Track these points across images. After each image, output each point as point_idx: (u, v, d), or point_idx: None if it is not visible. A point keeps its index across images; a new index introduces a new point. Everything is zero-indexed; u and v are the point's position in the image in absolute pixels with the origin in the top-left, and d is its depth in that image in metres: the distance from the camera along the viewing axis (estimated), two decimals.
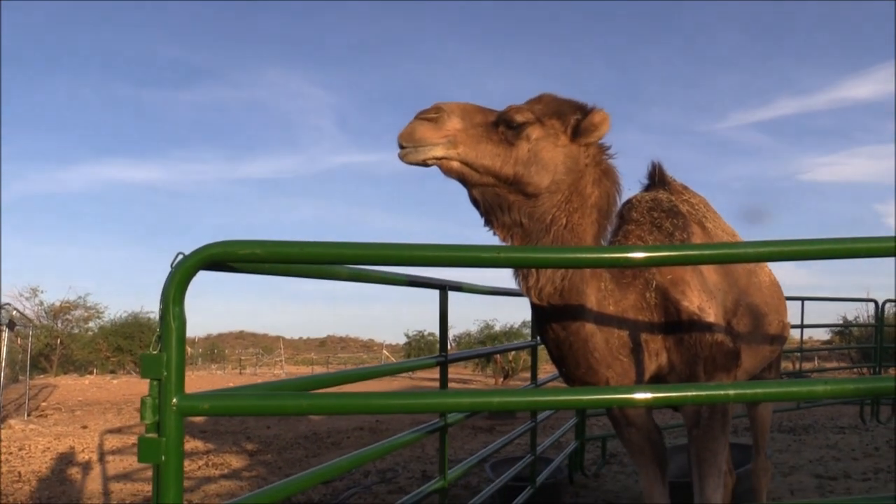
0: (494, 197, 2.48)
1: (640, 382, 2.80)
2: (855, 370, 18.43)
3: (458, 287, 3.69)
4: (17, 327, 16.06)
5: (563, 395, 1.77)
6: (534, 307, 2.59)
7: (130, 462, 8.95)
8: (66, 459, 9.25)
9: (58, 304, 33.94)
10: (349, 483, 7.06)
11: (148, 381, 1.72)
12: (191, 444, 10.12)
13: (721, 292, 3.07)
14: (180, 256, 1.74)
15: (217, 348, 55.59)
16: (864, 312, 22.79)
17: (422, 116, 2.40)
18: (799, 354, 12.49)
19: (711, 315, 2.92)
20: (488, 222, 2.57)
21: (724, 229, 3.70)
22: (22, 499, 7.10)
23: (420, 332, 36.38)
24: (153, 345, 1.73)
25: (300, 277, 2.27)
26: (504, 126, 2.46)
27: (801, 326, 9.90)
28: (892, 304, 11.69)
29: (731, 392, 1.80)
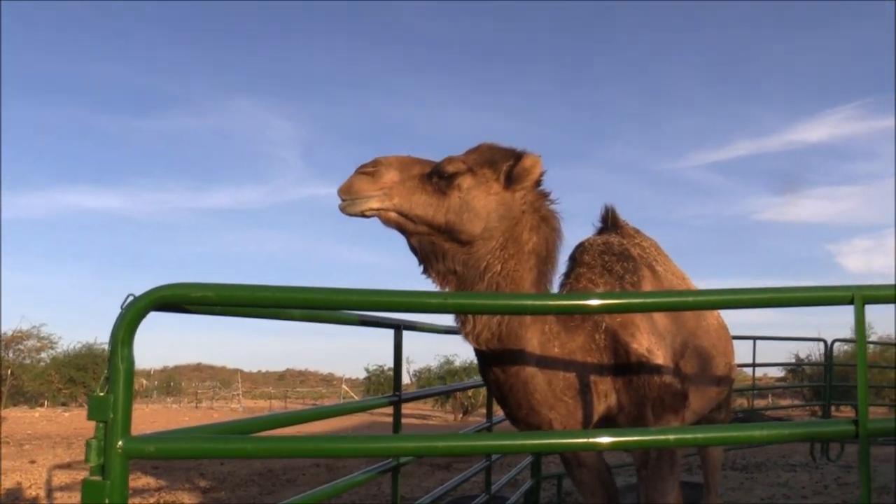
0: (430, 245, 2.56)
1: (587, 423, 2.84)
2: (808, 408, 18.72)
3: (413, 326, 3.72)
4: None
5: (504, 440, 1.81)
6: (475, 351, 2.63)
7: (78, 498, 8.70)
8: (12, 496, 8.95)
9: (9, 333, 33.00)
10: None
11: (94, 422, 1.72)
12: (142, 481, 9.88)
13: (670, 335, 3.15)
14: (130, 298, 1.75)
15: (173, 381, 54.45)
16: (816, 351, 23.33)
17: (361, 170, 2.52)
18: (752, 393, 12.67)
19: (660, 357, 2.99)
20: (425, 270, 2.64)
21: (675, 272, 3.79)
22: None
23: (380, 366, 36.14)
24: (100, 386, 1.74)
25: (253, 318, 2.28)
26: (437, 177, 2.54)
27: (753, 365, 10.09)
28: (841, 343, 12.00)
29: (672, 437, 1.86)
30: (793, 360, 22.29)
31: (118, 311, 1.75)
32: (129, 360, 1.72)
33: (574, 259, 3.31)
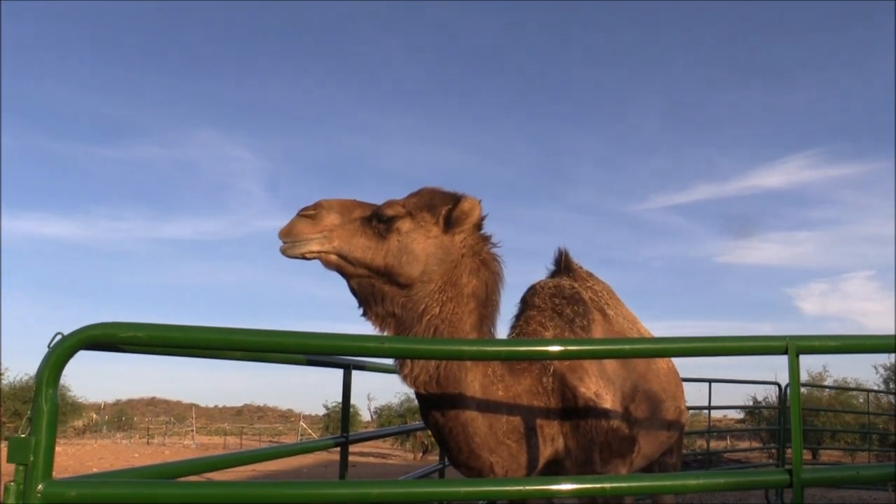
0: (370, 287, 2.58)
1: (532, 467, 2.82)
2: (766, 451, 18.86)
3: (362, 366, 3.68)
4: None
5: (443, 487, 1.78)
6: (415, 393, 2.62)
7: None
8: None
9: None
10: None
11: (21, 465, 1.66)
12: None
13: (619, 379, 3.15)
14: (59, 336, 1.70)
15: (125, 415, 53.01)
16: (773, 393, 23.59)
17: (302, 213, 2.55)
18: (707, 435, 12.76)
19: (608, 401, 2.99)
20: (365, 312, 2.65)
21: (626, 316, 3.82)
22: None
23: (338, 403, 35.65)
24: (22, 427, 1.68)
25: (189, 357, 2.23)
26: (377, 220, 2.57)
27: (710, 408, 10.16)
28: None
29: (608, 485, 1.85)
30: (750, 403, 22.57)
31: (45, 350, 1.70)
32: (53, 402, 1.66)
33: (525, 301, 3.31)
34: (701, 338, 1.97)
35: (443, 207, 2.64)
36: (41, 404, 1.65)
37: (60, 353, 1.67)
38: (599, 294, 3.64)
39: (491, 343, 2.17)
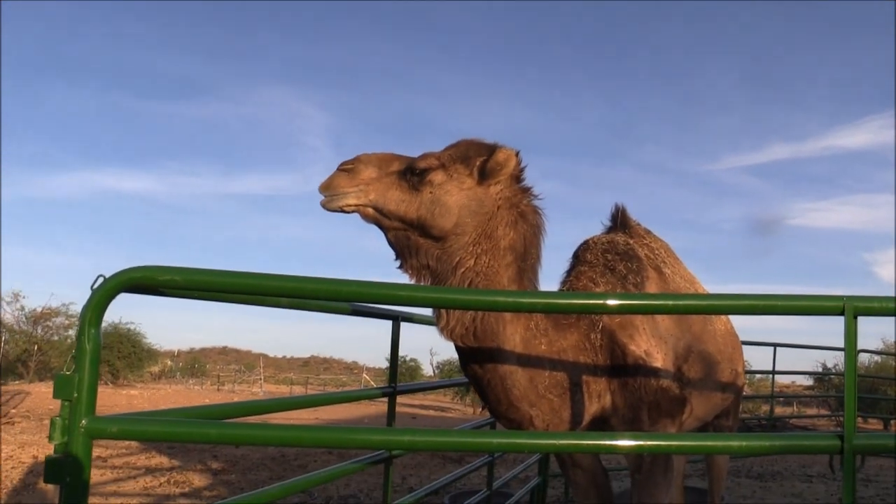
0: (405, 240, 2.57)
1: (576, 422, 2.79)
2: (834, 418, 18.41)
3: (410, 318, 3.68)
4: None
5: (490, 438, 1.78)
6: (455, 346, 2.61)
7: (93, 474, 8.82)
8: (28, 469, 9.12)
9: (39, 310, 33.63)
10: None
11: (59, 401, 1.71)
12: (156, 460, 10.01)
13: (672, 338, 3.08)
14: (101, 279, 1.74)
15: (198, 363, 55.15)
16: (843, 360, 22.80)
17: (341, 167, 2.56)
18: (772, 400, 12.46)
19: (659, 360, 2.93)
20: (401, 265, 2.64)
21: (683, 276, 3.71)
22: None
23: (402, 356, 36.25)
24: (67, 365, 1.73)
25: (233, 304, 2.27)
26: (411, 173, 2.55)
27: (773, 372, 9.91)
28: (868, 353, 11.72)
29: (646, 443, 1.81)
30: (819, 370, 21.93)
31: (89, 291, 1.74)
32: (96, 341, 1.71)
33: (576, 257, 3.26)
34: (748, 295, 1.88)
35: (477, 159, 2.59)
36: (84, 343, 1.70)
37: (102, 294, 1.71)
38: (656, 252, 3.54)
39: (527, 295, 2.12)
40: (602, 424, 2.95)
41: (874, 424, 19.54)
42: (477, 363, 2.60)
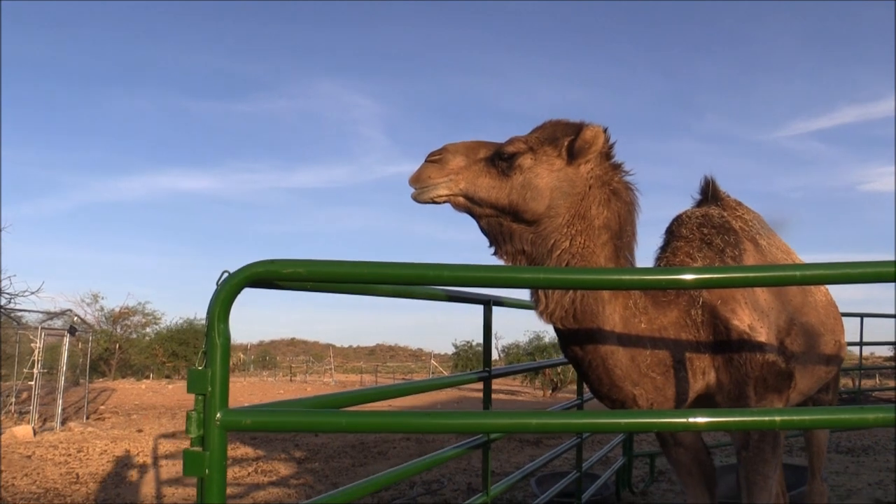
0: (498, 226, 2.56)
1: (681, 401, 2.74)
2: None
3: (500, 302, 3.68)
4: (78, 332, 16.58)
5: (595, 418, 1.75)
6: (554, 328, 2.59)
7: (178, 466, 9.15)
8: (121, 462, 9.50)
9: (117, 310, 34.96)
10: (395, 494, 7.09)
11: (193, 395, 1.76)
12: (241, 451, 10.30)
13: (773, 311, 3.00)
14: (225, 274, 1.77)
15: (269, 355, 56.53)
16: None
17: (429, 159, 2.56)
18: (859, 372, 12.05)
19: (763, 335, 2.85)
20: (496, 251, 2.62)
21: (780, 247, 3.61)
22: (79, 500, 7.31)
23: (468, 342, 36.40)
24: (199, 360, 1.78)
25: (343, 294, 2.30)
26: (500, 159, 2.53)
27: (861, 344, 9.56)
28: None
29: (778, 418, 1.76)
30: None
31: (214, 287, 1.78)
32: (226, 335, 1.75)
33: (671, 232, 3.19)
34: (846, 263, 1.79)
35: (565, 139, 2.54)
36: (214, 338, 1.74)
37: (229, 289, 1.74)
38: (750, 223, 3.44)
39: (630, 272, 2.06)
40: (707, 402, 2.89)
41: None
42: (577, 345, 2.58)
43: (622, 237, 2.63)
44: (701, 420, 1.78)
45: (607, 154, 2.63)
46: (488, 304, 3.55)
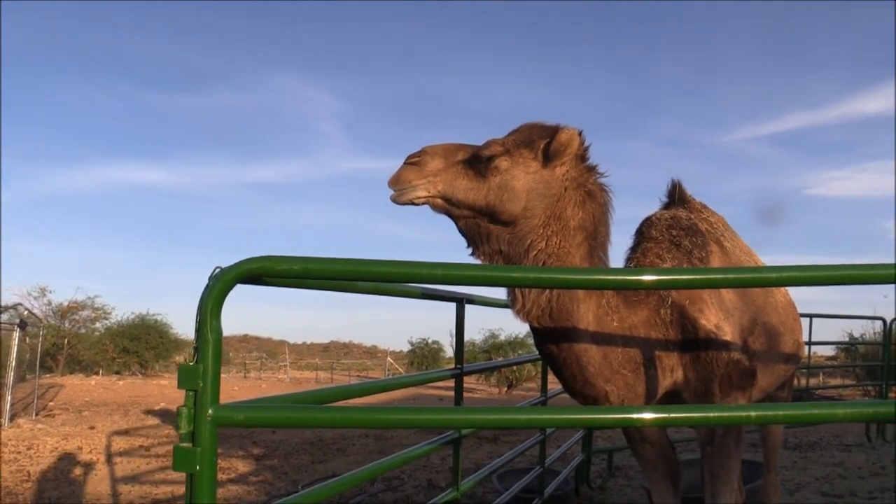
0: (475, 227, 2.63)
1: (651, 397, 2.83)
2: (860, 388, 18.37)
3: (472, 300, 3.73)
4: (28, 327, 16.15)
5: (564, 414, 1.80)
6: (530, 327, 2.66)
7: (138, 464, 9.00)
8: (73, 460, 9.30)
9: (65, 304, 34.10)
10: (355, 490, 7.09)
11: (183, 391, 1.77)
12: None
13: (738, 311, 3.11)
14: (218, 270, 1.78)
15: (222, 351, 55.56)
16: (871, 330, 22.76)
17: (408, 161, 2.61)
18: (806, 371, 12.45)
19: (728, 334, 2.96)
20: (473, 252, 2.69)
21: (743, 249, 3.73)
22: (30, 498, 7.14)
23: (424, 339, 36.44)
24: (190, 356, 1.78)
25: (326, 291, 2.32)
26: (476, 161, 2.59)
27: (809, 343, 9.88)
28: None
29: (753, 414, 1.84)
30: (846, 339, 21.80)
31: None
32: (218, 332, 1.75)
33: (641, 233, 3.27)
34: (821, 266, 1.88)
35: (541, 142, 2.61)
36: (206, 334, 1.74)
37: (222, 286, 1.75)
38: (715, 226, 3.56)
39: (601, 272, 2.11)
40: (673, 398, 2.99)
41: None
42: (553, 342, 2.65)
43: (596, 237, 2.70)
44: (676, 415, 1.85)
45: (582, 156, 2.70)
46: (461, 302, 3.59)
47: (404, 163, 2.63)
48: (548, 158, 2.60)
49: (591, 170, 2.72)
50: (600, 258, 2.73)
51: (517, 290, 2.57)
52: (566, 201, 2.62)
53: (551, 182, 2.60)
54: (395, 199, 2.62)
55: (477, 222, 2.62)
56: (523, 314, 2.59)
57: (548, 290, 2.54)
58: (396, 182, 2.61)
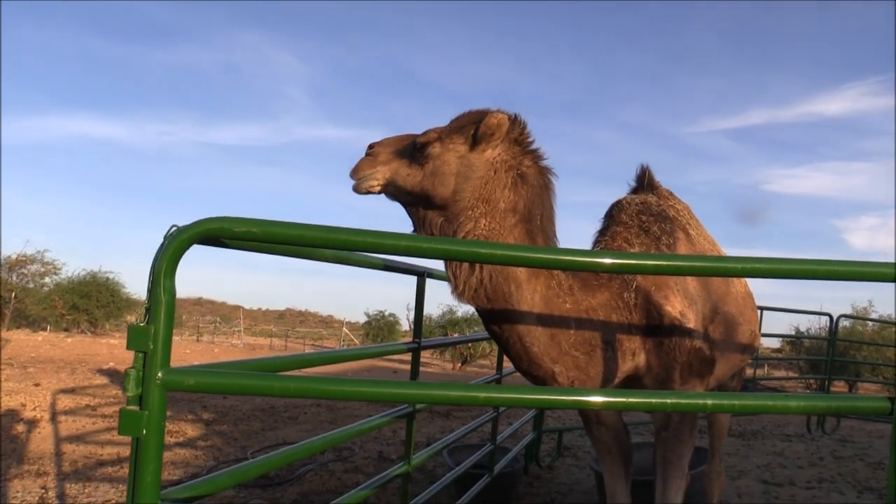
0: (416, 212, 2.74)
1: (608, 380, 2.83)
2: (803, 381, 18.91)
3: (432, 274, 3.69)
4: None
5: (547, 394, 1.79)
6: (475, 306, 2.70)
7: (83, 423, 8.83)
8: (16, 417, 9.08)
9: (14, 256, 33.16)
10: (305, 461, 7.06)
11: (133, 352, 1.69)
12: None
13: (700, 299, 3.13)
14: (174, 229, 1.71)
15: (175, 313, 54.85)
16: (816, 324, 23.44)
17: (367, 152, 2.76)
18: (753, 361, 12.74)
19: (692, 322, 2.97)
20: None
21: (706, 237, 3.75)
22: None
23: (380, 311, 36.44)
24: (141, 317, 1.71)
25: (286, 256, 2.26)
26: (415, 150, 2.69)
27: (761, 335, 10.10)
28: (846, 319, 11.98)
29: (710, 402, 1.84)
30: (792, 333, 22.42)
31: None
32: (171, 293, 1.69)
33: (611, 216, 3.27)
34: (805, 260, 1.88)
35: (472, 127, 2.65)
36: (159, 294, 1.67)
37: (177, 245, 1.67)
38: (681, 213, 3.57)
39: (534, 250, 2.05)
40: (635, 383, 3.00)
41: (840, 388, 20.09)
42: (494, 322, 2.68)
43: (532, 220, 2.70)
44: (635, 400, 1.85)
45: (517, 140, 2.72)
46: (422, 275, 3.56)
47: (365, 154, 2.75)
48: (476, 142, 2.64)
49: (528, 153, 2.72)
50: (543, 240, 2.73)
51: (450, 272, 2.63)
52: (494, 184, 2.65)
53: (477, 165, 2.64)
54: (354, 189, 2.75)
55: (416, 208, 2.72)
56: (457, 295, 2.65)
57: (478, 271, 2.58)
58: (355, 173, 2.74)
